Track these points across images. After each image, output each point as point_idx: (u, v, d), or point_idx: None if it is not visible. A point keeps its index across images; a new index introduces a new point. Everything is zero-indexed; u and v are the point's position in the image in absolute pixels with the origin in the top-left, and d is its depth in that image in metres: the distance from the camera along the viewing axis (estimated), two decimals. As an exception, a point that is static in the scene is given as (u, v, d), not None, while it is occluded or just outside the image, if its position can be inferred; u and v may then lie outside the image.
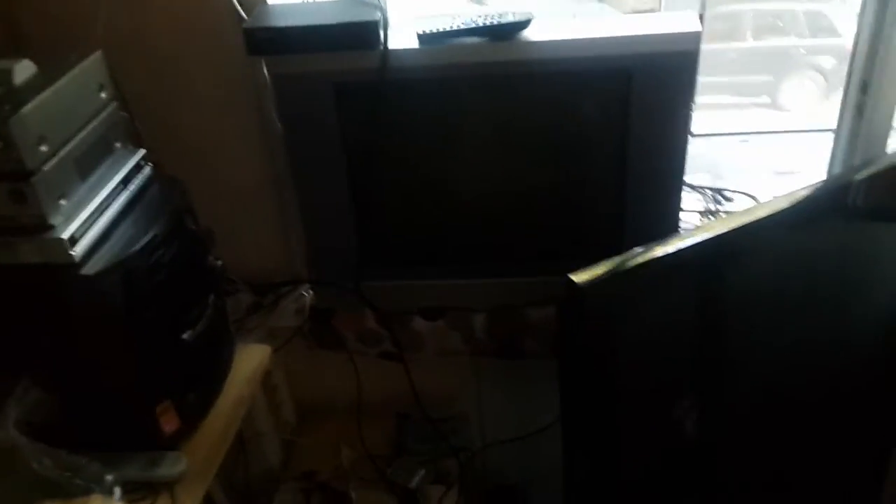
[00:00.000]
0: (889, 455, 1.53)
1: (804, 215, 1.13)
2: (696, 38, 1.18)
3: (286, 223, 1.49)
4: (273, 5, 1.32)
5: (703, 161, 1.77)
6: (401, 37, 1.22)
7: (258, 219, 1.50)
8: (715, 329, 1.19)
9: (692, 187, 1.72)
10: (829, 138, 1.49)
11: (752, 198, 1.68)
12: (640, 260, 1.03)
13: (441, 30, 1.22)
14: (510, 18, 1.21)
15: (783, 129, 1.65)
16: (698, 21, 1.20)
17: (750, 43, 4.61)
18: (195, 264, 1.22)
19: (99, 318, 1.05)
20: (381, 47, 1.20)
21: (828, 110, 4.41)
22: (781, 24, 4.72)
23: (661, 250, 1.04)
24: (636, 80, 1.21)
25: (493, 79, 1.25)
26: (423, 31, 1.22)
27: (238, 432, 1.46)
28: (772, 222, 1.10)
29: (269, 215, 1.49)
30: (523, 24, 1.21)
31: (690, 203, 1.68)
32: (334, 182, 1.30)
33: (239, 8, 1.28)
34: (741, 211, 1.11)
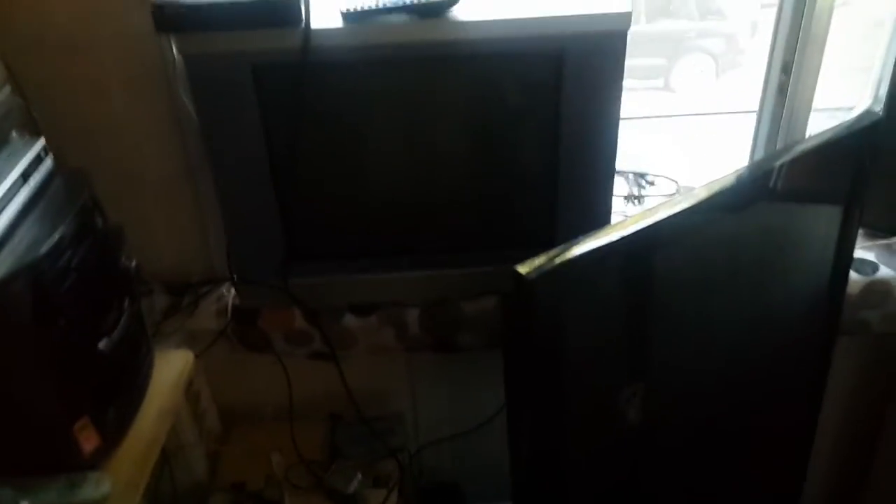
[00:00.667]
0: (814, 427, 1.58)
1: (732, 201, 1.14)
2: (627, 18, 1.17)
3: (203, 218, 1.39)
4: None
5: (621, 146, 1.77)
6: (324, 14, 1.16)
7: (173, 214, 1.40)
8: (652, 315, 1.19)
9: (616, 172, 1.72)
10: (743, 120, 1.51)
11: (673, 181, 1.70)
12: (581, 249, 1.01)
13: (366, 7, 1.16)
14: (437, -3, 1.16)
15: (702, 112, 1.68)
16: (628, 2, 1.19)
17: (644, 26, 4.74)
18: (106, 266, 1.12)
19: (4, 329, 0.94)
20: (303, 25, 1.13)
21: (718, 91, 4.61)
22: (673, 8, 4.87)
23: (599, 239, 1.02)
24: (568, 60, 1.18)
25: (421, 59, 1.19)
26: (348, 9, 1.15)
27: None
28: (702, 209, 1.10)
29: (184, 210, 1.39)
30: (451, 3, 1.16)
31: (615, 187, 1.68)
32: (255, 172, 1.22)
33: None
34: (673, 197, 1.11)
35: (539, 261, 0.98)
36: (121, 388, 1.14)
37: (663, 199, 1.62)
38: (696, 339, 1.24)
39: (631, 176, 1.72)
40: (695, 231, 1.13)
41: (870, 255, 1.47)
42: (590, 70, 1.19)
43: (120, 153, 1.31)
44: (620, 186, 1.69)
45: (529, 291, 0.96)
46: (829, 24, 1.30)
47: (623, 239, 1.03)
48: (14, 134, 1.04)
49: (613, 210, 1.55)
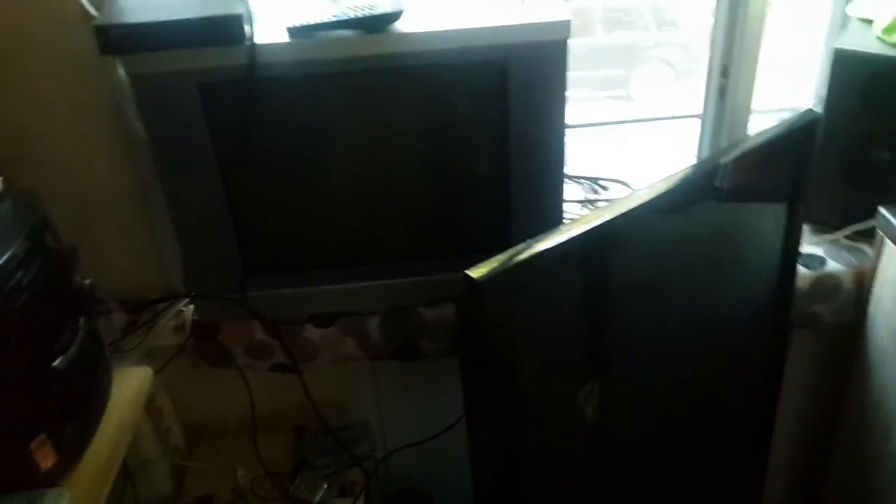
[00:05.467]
0: (773, 420, 1.61)
1: (677, 200, 1.17)
2: (566, 26, 1.20)
3: (158, 235, 1.40)
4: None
5: (575, 153, 1.81)
6: (268, 30, 1.18)
7: (127, 232, 1.40)
8: (605, 314, 1.21)
9: (569, 177, 1.75)
10: (694, 124, 1.55)
11: (626, 185, 1.73)
12: (531, 252, 1.03)
13: (311, 23, 1.18)
14: (381, 9, 1.18)
15: (651, 118, 1.72)
16: (567, 9, 1.22)
17: (602, 38, 4.84)
18: (60, 285, 1.12)
19: (-45, 350, 0.94)
20: (248, 42, 1.15)
21: (677, 98, 4.69)
22: (629, 19, 4.96)
23: (549, 241, 1.04)
24: (512, 70, 1.21)
25: (368, 73, 1.21)
26: (293, 24, 1.17)
27: (123, 462, 1.37)
28: (649, 208, 1.13)
29: (139, 227, 1.40)
30: (395, 16, 1.18)
31: (569, 193, 1.71)
32: (207, 189, 1.23)
33: (87, 4, 1.18)
34: (621, 198, 1.13)
35: (490, 264, 1.00)
36: (78, 406, 1.15)
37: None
38: (651, 337, 1.27)
39: (585, 182, 1.75)
40: (643, 229, 1.15)
41: (818, 251, 1.51)
42: (534, 78, 1.22)
43: (71, 173, 1.32)
44: (575, 192, 1.72)
45: (481, 294, 0.98)
46: (762, 26, 1.33)
47: (572, 240, 1.05)
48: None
49: (568, 214, 1.59)
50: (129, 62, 1.16)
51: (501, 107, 1.24)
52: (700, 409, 1.44)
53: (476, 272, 0.96)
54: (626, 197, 1.15)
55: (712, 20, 1.38)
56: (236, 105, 1.18)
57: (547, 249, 1.04)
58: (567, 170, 1.74)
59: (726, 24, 1.35)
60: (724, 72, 1.35)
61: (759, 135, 1.28)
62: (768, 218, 1.38)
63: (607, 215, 1.10)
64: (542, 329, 1.12)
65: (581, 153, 1.78)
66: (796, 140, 1.31)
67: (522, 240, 1.05)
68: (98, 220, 1.35)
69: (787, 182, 1.33)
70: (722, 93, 1.36)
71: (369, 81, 1.23)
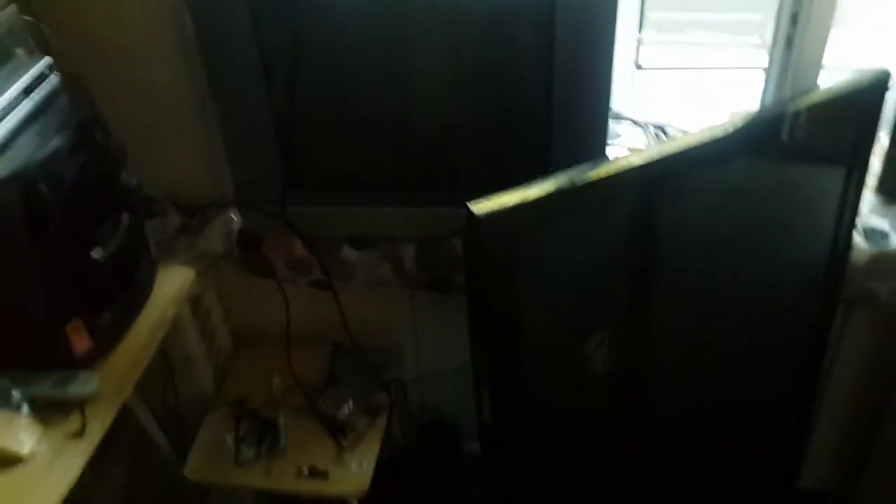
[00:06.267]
0: (812, 398, 1.55)
1: (721, 150, 1.10)
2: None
3: (214, 142, 1.44)
4: None
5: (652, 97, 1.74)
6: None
7: (185, 137, 1.45)
8: (631, 263, 1.17)
9: (635, 122, 1.70)
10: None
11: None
12: (549, 189, 0.99)
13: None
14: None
15: (734, 66, 1.63)
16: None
17: None
18: (106, 180, 1.19)
19: (-1, 231, 1.02)
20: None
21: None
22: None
23: (574, 178, 1.00)
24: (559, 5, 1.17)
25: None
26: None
27: (167, 358, 1.46)
28: (690, 156, 1.07)
29: (195, 134, 1.44)
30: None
31: (634, 139, 1.66)
32: (253, 98, 1.26)
33: None
34: (664, 142, 1.08)
35: (502, 199, 0.97)
36: (116, 297, 1.22)
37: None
38: (681, 295, 1.22)
39: (651, 127, 1.69)
40: (682, 177, 1.09)
41: (883, 224, 1.42)
42: (582, 14, 1.18)
43: (133, 75, 1.36)
44: (639, 138, 1.67)
45: (480, 230, 0.95)
46: None
47: (595, 184, 1.02)
48: (19, 51, 1.11)
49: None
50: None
51: (547, 36, 1.20)
52: (733, 379, 1.38)
53: (479, 207, 0.94)
54: (670, 140, 1.10)
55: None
56: (284, 16, 1.20)
57: (566, 188, 1.00)
58: (635, 114, 1.70)
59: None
60: (793, 20, 1.25)
61: (821, 91, 1.20)
62: (826, 182, 1.29)
63: (640, 159, 1.05)
64: (553, 273, 1.07)
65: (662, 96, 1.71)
66: (861, 100, 1.21)
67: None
68: (157, 122, 1.41)
69: (848, 146, 1.24)
70: (789, 43, 1.27)
71: (419, 5, 1.22)
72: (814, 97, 1.18)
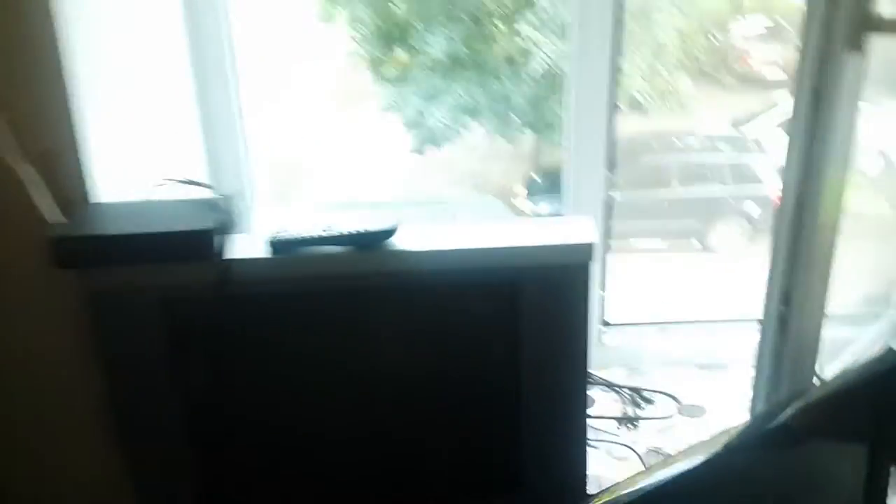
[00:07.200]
0: None
1: (728, 470, 0.94)
2: (588, 249, 1.02)
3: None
4: (93, 206, 1.08)
5: (619, 352, 1.61)
6: (249, 244, 1.04)
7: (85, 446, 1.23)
8: None
9: (609, 385, 1.54)
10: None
11: (674, 399, 1.50)
12: None
13: (296, 237, 1.03)
14: (375, 225, 1.03)
15: (706, 319, 1.53)
16: (593, 229, 1.05)
17: (678, 191, 4.74)
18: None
19: None
20: (220, 258, 1.01)
21: (753, 252, 4.47)
22: (706, 174, 4.86)
23: None
24: (523, 298, 1.04)
25: (359, 294, 1.06)
26: (276, 238, 1.03)
27: None
28: (691, 480, 0.90)
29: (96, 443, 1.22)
30: (388, 233, 1.03)
31: (607, 405, 1.49)
32: (163, 417, 1.07)
33: (48, 211, 1.05)
34: (655, 466, 0.91)
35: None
36: None
37: (660, 423, 1.44)
38: None
39: (626, 392, 1.52)
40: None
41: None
42: (550, 307, 1.05)
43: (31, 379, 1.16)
44: (613, 406, 1.50)
45: None
46: (833, 244, 1.11)
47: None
48: None
49: (606, 435, 1.41)
50: (88, 277, 1.02)
51: (511, 339, 1.06)
52: None
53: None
54: (663, 462, 0.93)
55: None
56: (205, 328, 1.04)
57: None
58: (606, 374, 1.54)
59: (788, 242, 1.13)
60: (785, 299, 1.12)
61: (829, 383, 1.06)
62: (847, 467, 1.13)
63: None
64: None
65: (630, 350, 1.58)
66: (877, 387, 1.08)
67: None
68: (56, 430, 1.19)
69: (869, 424, 1.09)
70: (782, 324, 1.13)
71: (360, 303, 1.07)
72: (821, 392, 1.04)
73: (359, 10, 4.82)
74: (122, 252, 1.00)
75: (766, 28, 5.37)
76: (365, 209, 1.40)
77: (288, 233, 1.04)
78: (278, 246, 1.03)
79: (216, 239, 1.01)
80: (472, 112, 4.81)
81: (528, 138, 5.10)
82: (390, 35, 4.87)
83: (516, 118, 4.74)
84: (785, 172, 1.10)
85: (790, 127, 1.08)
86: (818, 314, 1.16)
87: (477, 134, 4.97)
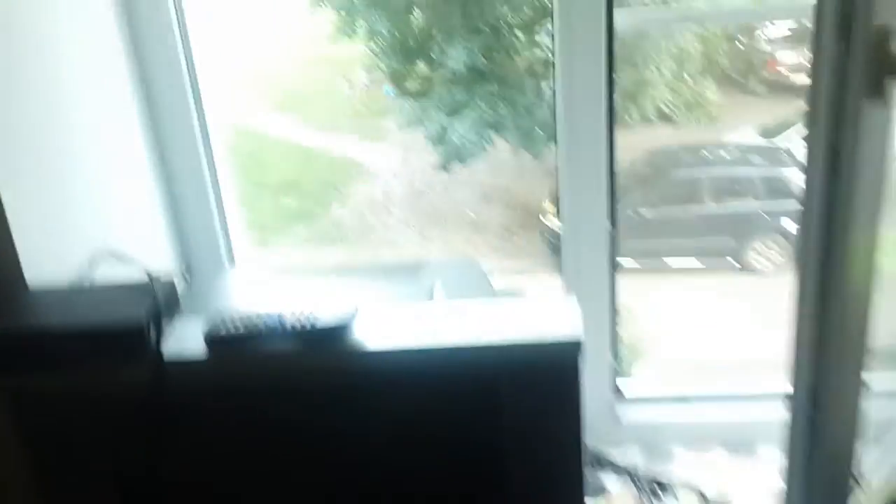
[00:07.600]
0: None
1: None
2: (576, 348, 0.87)
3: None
4: (21, 293, 0.97)
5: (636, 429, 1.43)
6: (189, 334, 0.91)
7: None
8: None
9: (623, 471, 1.36)
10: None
11: (702, 495, 1.32)
12: None
13: (236, 331, 0.90)
14: (325, 319, 0.89)
15: (729, 395, 1.36)
16: (579, 324, 0.89)
17: (711, 206, 4.57)
18: None
19: None
20: (153, 358, 0.88)
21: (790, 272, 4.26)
22: (739, 188, 4.63)
23: None
24: (504, 400, 0.89)
25: (311, 394, 0.91)
26: (213, 334, 0.90)
27: None
28: None
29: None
30: (340, 329, 0.89)
31: (620, 496, 1.32)
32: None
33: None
34: None
35: None
36: None
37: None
38: None
39: (644, 483, 1.34)
40: None
41: None
42: (534, 411, 0.89)
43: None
44: (629, 498, 1.33)
45: None
46: (866, 322, 0.93)
47: None
48: None
49: None
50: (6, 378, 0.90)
51: (492, 446, 0.91)
52: None
53: None
54: None
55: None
56: (138, 433, 0.90)
57: None
58: (620, 455, 1.37)
59: (812, 322, 0.96)
60: (814, 399, 0.95)
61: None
62: None
63: None
64: None
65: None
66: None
67: None
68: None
69: None
70: (813, 428, 0.96)
71: (311, 406, 0.93)
72: None
73: (378, 24, 4.69)
74: (46, 354, 0.88)
75: (790, 30, 5.13)
76: (333, 280, 1.27)
77: (227, 327, 0.90)
78: (216, 342, 0.90)
79: (150, 334, 0.88)
80: (496, 127, 4.66)
81: (553, 152, 4.93)
82: (409, 48, 4.73)
83: (541, 132, 4.57)
84: (800, 245, 0.93)
85: (804, 194, 0.91)
86: (852, 416, 0.98)
87: (502, 149, 4.82)
